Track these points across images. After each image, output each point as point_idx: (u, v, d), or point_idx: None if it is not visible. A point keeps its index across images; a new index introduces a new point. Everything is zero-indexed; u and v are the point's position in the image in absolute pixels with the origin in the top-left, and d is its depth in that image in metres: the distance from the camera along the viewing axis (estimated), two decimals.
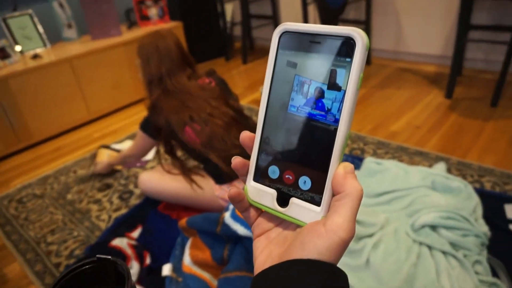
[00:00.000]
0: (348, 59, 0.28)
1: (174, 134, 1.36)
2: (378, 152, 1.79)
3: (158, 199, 1.53)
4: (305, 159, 0.31)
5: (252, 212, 0.35)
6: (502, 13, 2.27)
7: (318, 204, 0.30)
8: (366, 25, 2.72)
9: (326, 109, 0.29)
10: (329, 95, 0.29)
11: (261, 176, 0.33)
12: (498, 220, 1.29)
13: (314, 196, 0.30)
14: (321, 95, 0.29)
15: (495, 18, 2.30)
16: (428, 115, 2.06)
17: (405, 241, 1.16)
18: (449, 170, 1.58)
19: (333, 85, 0.29)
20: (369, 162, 1.56)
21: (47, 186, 1.85)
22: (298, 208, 0.31)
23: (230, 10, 3.57)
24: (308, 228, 0.29)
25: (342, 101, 0.28)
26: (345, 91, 0.28)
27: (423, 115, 2.07)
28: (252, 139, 0.33)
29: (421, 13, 2.60)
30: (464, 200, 1.30)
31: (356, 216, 0.28)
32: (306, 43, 0.30)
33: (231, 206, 1.14)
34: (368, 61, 2.86)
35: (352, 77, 0.28)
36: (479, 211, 1.28)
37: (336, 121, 0.29)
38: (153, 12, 2.83)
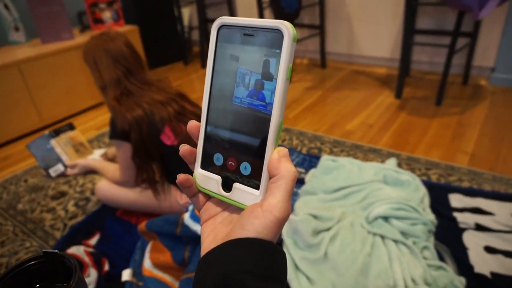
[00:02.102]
0: (277, 50, 0.30)
1: (148, 135, 1.24)
2: (334, 150, 1.86)
3: (116, 207, 1.49)
4: (245, 147, 0.33)
5: (201, 198, 0.37)
6: (443, 18, 2.45)
7: (257, 187, 0.32)
8: (320, 30, 2.82)
9: (266, 99, 0.31)
10: (268, 85, 0.31)
11: (207, 164, 0.35)
12: (443, 209, 1.39)
13: (253, 181, 0.33)
14: (261, 86, 0.31)
15: (437, 23, 2.48)
16: (380, 115, 2.17)
17: (361, 233, 1.22)
18: (399, 165, 1.68)
19: (266, 75, 0.31)
20: (325, 160, 1.62)
21: None
22: (240, 192, 0.33)
23: (187, 14, 3.56)
24: (248, 210, 0.31)
25: (273, 92, 0.31)
26: (276, 80, 0.31)
27: (376, 115, 2.18)
28: (198, 128, 0.35)
29: (371, 18, 2.74)
30: (412, 192, 1.39)
31: (290, 196, 0.31)
32: (242, 36, 0.32)
33: (190, 207, 1.14)
34: (323, 64, 2.96)
35: (281, 67, 0.30)
36: (426, 201, 1.37)
37: (271, 109, 0.31)
38: (107, 15, 2.75)
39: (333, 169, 1.54)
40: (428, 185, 1.49)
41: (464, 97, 2.27)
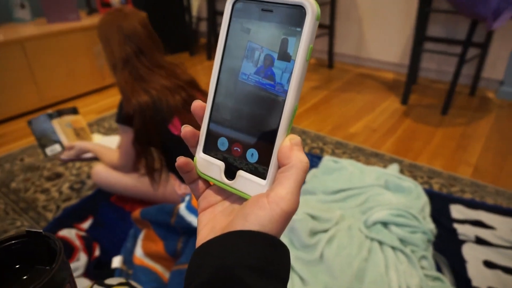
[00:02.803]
0: (298, 29, 0.28)
1: (152, 123, 1.19)
2: (336, 151, 1.83)
3: (111, 192, 1.46)
4: (253, 131, 0.30)
5: (200, 184, 0.34)
6: (455, 27, 2.41)
7: (264, 177, 0.30)
8: (330, 30, 2.79)
9: (275, 78, 0.29)
10: (279, 64, 0.29)
11: (210, 148, 0.32)
12: (443, 219, 1.36)
13: (260, 169, 0.30)
14: (271, 63, 0.29)
15: (448, 31, 2.45)
16: (384, 120, 2.14)
17: (358, 237, 1.19)
18: (401, 171, 1.65)
19: (283, 54, 0.28)
20: (327, 160, 1.59)
21: None
22: (245, 181, 0.30)
23: (196, 5, 3.52)
24: (252, 201, 0.28)
25: (291, 72, 0.28)
26: (294, 61, 0.28)
27: (380, 119, 2.15)
28: (203, 108, 0.32)
29: (382, 22, 2.71)
30: (414, 199, 1.36)
31: (300, 188, 0.28)
32: (259, 11, 0.30)
33: (187, 198, 1.11)
34: (331, 65, 2.93)
35: (301, 47, 0.28)
36: (427, 210, 1.34)
37: (285, 92, 0.29)
38: None
39: (335, 170, 1.52)
40: (430, 193, 1.46)
41: (470, 108, 2.24)
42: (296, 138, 0.29)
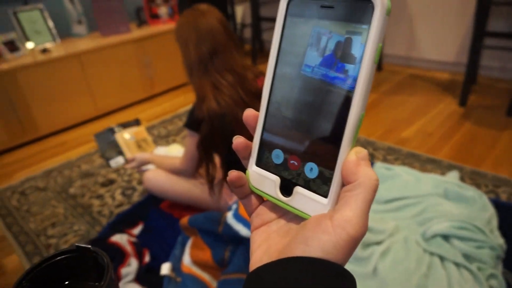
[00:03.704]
0: (364, 26, 0.24)
1: (219, 132, 1.14)
2: (388, 158, 1.73)
3: (163, 197, 1.48)
4: (312, 142, 0.27)
5: (253, 200, 0.31)
6: None
7: (325, 194, 0.26)
8: None
9: (348, 70, 0.25)
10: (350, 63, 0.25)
11: (264, 161, 0.30)
12: None
13: (321, 185, 0.26)
14: (343, 52, 0.25)
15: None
16: (440, 123, 2.00)
17: (415, 251, 1.10)
18: (462, 179, 1.52)
19: (346, 56, 0.25)
20: (379, 167, 1.50)
21: (50, 179, 1.83)
22: (303, 198, 0.27)
23: (241, 12, 3.56)
24: (313, 222, 0.25)
25: (356, 77, 0.24)
26: (360, 65, 0.24)
27: (435, 123, 2.01)
28: (256, 117, 0.30)
29: (435, 18, 2.55)
30: (478, 211, 1.24)
31: (369, 210, 0.24)
32: (318, 8, 0.26)
33: (234, 206, 1.10)
34: (379, 67, 2.81)
35: (368, 47, 0.24)
36: (494, 222, 1.22)
37: (351, 90, 0.25)
38: (163, 11, 2.82)
39: (388, 178, 1.43)
40: (497, 204, 1.33)
41: None
42: (362, 151, 0.25)
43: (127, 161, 1.51)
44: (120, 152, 1.56)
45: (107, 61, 2.44)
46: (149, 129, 2.27)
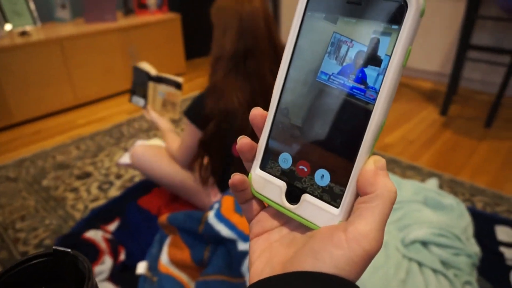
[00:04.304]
0: (394, 26, 0.22)
1: (222, 135, 1.09)
2: None
3: (146, 176, 1.40)
4: (325, 148, 0.25)
5: (254, 205, 0.29)
6: (503, 35, 2.27)
7: (337, 204, 0.24)
8: None
9: (368, 81, 0.23)
10: (367, 70, 0.23)
11: (269, 164, 0.27)
12: (488, 241, 1.26)
13: (332, 194, 0.25)
14: (364, 62, 0.23)
15: (496, 39, 2.30)
16: (422, 131, 2.04)
17: (395, 256, 1.11)
18: (441, 187, 1.55)
19: (372, 58, 0.23)
20: None
21: (22, 169, 1.75)
22: (311, 207, 0.25)
23: None
24: (323, 234, 0.23)
25: (382, 79, 0.23)
26: (387, 66, 0.23)
27: (417, 130, 2.04)
28: (264, 117, 0.27)
29: (422, 29, 2.59)
30: (456, 218, 1.26)
31: (385, 224, 0.22)
32: (343, 3, 0.24)
33: (216, 205, 1.07)
34: None
35: (397, 49, 0.22)
36: (470, 230, 1.24)
37: (372, 102, 0.23)
38: (151, 1, 2.75)
39: None
40: (472, 212, 1.36)
41: None
42: (381, 160, 0.23)
43: (145, 107, 1.46)
44: (145, 96, 1.49)
45: (90, 49, 2.36)
46: (130, 122, 2.21)
